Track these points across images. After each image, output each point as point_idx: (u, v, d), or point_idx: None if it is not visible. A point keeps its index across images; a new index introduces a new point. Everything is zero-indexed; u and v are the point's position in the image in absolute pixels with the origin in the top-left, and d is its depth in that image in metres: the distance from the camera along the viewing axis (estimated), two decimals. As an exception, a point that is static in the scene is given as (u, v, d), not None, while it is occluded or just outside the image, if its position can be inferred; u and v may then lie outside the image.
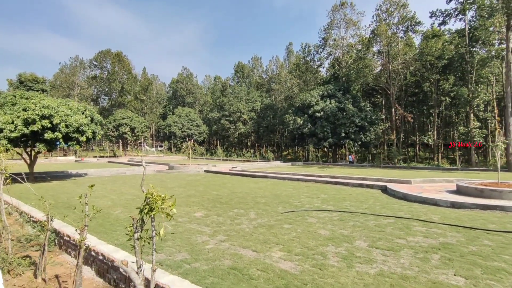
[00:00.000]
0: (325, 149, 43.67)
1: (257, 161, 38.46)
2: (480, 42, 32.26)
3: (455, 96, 38.95)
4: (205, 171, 23.81)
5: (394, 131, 38.06)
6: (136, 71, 73.79)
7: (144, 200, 3.04)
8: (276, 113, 54.82)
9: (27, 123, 13.97)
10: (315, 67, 48.29)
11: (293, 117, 39.48)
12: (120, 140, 56.71)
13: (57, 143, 15.26)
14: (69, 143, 15.55)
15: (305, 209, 9.26)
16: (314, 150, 40.52)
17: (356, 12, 44.27)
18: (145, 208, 3.00)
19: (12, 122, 13.62)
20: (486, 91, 34.02)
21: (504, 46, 32.71)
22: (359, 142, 37.22)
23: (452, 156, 44.88)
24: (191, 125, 65.19)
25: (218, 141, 64.66)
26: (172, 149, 64.38)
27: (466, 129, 31.53)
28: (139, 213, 3.08)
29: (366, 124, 36.48)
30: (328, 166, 32.78)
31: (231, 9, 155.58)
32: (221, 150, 43.79)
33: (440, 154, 42.60)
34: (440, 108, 43.05)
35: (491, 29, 31.61)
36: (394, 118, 37.67)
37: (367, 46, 38.64)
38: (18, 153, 16.64)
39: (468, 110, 32.38)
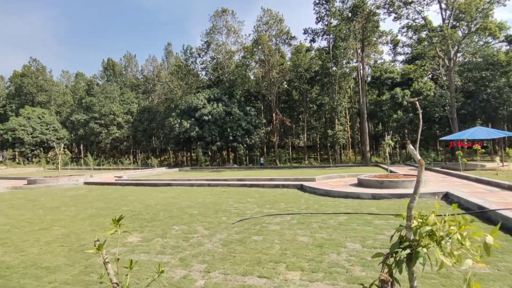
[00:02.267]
0: (210, 153, 43.23)
1: (140, 169, 34.62)
2: (340, 59, 38.40)
3: (320, 104, 45.15)
4: (86, 183, 19.50)
5: (276, 134, 41.06)
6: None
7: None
8: (155, 116, 50.98)
9: None
10: (199, 70, 47.52)
11: (179, 120, 37.50)
12: None
13: None
14: None
15: (251, 216, 8.35)
16: (202, 154, 39.53)
17: (237, 20, 45.96)
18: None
19: None
20: (345, 100, 40.74)
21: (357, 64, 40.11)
22: (245, 145, 38.43)
23: (316, 156, 51.85)
24: (46, 129, 53.65)
25: (85, 148, 55.24)
26: (18, 160, 51.24)
27: (332, 132, 36.85)
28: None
29: (251, 127, 38.02)
30: (219, 169, 32.43)
31: (87, 1, 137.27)
32: (91, 158, 37.35)
33: (308, 155, 48.53)
34: (307, 114, 49.16)
35: (346, 50, 38.11)
36: (275, 122, 40.60)
37: (251, 54, 40.43)
38: None
39: (333, 115, 37.97)
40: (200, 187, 15.75)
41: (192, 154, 48.98)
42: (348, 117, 43.18)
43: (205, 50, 46.28)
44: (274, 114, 41.05)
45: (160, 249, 5.63)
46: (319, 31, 38.02)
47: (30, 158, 52.90)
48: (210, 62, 45.42)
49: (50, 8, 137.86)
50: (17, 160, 52.27)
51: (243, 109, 38.56)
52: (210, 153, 42.70)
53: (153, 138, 52.48)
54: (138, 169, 35.20)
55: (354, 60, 40.96)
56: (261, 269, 4.51)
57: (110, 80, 60.85)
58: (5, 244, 6.31)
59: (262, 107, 47.67)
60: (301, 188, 13.75)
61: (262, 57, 41.31)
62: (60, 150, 22.75)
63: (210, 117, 35.81)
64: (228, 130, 36.30)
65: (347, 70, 40.37)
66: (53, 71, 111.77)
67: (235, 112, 36.62)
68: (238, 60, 45.77)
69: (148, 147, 52.57)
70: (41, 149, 53.29)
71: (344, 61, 39.68)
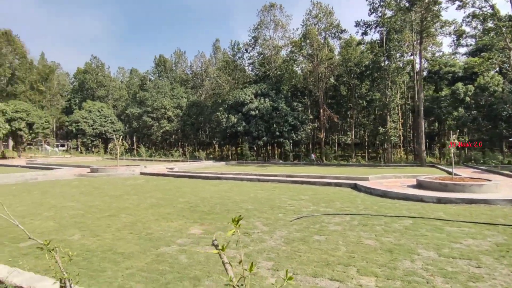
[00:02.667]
0: (256, 148, 43.56)
1: (188, 161, 35.97)
2: (393, 52, 36.26)
3: (370, 100, 43.19)
4: (141, 173, 20.68)
5: (323, 131, 40.15)
6: (32, 56, 61.94)
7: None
8: (203, 111, 52.54)
9: None
10: (246, 65, 47.99)
11: (226, 115, 38.19)
12: (11, 138, 46.64)
13: None
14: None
15: (308, 214, 8.17)
16: (248, 149, 39.93)
17: (285, 14, 45.45)
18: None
19: None
20: (399, 96, 38.49)
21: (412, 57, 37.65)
22: (291, 141, 38.09)
23: (363, 154, 49.80)
24: (105, 121, 57.92)
25: (137, 140, 58.79)
26: (81, 149, 56.00)
27: (384, 129, 35.04)
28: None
29: (298, 123, 37.55)
30: (264, 164, 32.53)
31: (138, 2, 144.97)
32: (144, 149, 39.57)
33: (355, 152, 46.78)
34: (355, 111, 47.31)
35: (401, 42, 35.86)
36: (322, 118, 39.69)
37: (299, 48, 39.83)
38: None
39: (385, 112, 36.09)
40: (249, 182, 15.86)
41: (237, 149, 49.78)
42: (400, 114, 40.80)
43: (253, 45, 46.49)
44: (321, 110, 40.13)
45: (223, 243, 5.69)
46: (372, 23, 36.20)
47: (90, 148, 57.55)
48: (257, 57, 45.54)
49: (108, 10, 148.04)
50: (79, 149, 57.11)
51: (290, 105, 38.20)
52: (255, 148, 43.05)
53: (200, 132, 54.19)
54: (187, 161, 36.56)
55: (409, 53, 38.50)
56: (331, 271, 4.34)
57: (161, 76, 63.83)
58: (81, 228, 6.83)
59: (308, 103, 46.85)
60: (355, 187, 13.22)
61: (310, 51, 40.48)
62: (119, 141, 24.36)
63: (257, 112, 35.98)
64: (275, 125, 36.22)
65: (401, 64, 38.09)
66: (110, 67, 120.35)
67: (282, 107, 36.39)
68: (285, 55, 45.36)
69: (195, 140, 54.44)
70: (100, 140, 57.73)
71: (398, 55, 37.46)
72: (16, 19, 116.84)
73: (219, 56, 59.14)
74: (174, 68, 66.02)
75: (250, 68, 49.10)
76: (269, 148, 45.30)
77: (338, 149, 53.59)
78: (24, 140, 46.50)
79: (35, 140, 52.54)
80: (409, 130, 48.33)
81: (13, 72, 54.15)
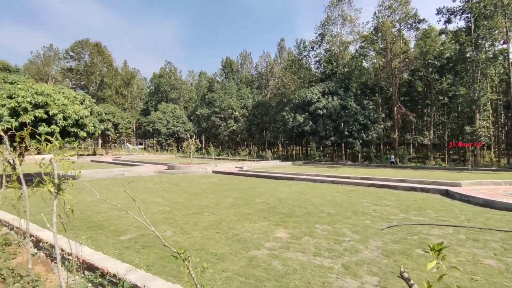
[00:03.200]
0: (322, 148, 42.33)
1: (255, 160, 36.45)
2: (482, 41, 31.92)
3: (453, 96, 38.78)
4: (214, 171, 21.44)
5: (396, 130, 37.30)
6: (117, 64, 69.32)
7: None
8: (268, 111, 52.94)
9: (15, 113, 11.12)
10: (312, 63, 46.99)
11: (292, 115, 37.80)
12: (100, 137, 52.63)
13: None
14: (66, 139, 12.78)
15: (400, 222, 7.37)
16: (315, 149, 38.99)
17: (353, 8, 43.30)
18: None
19: (-4, 112, 10.75)
20: (489, 91, 33.78)
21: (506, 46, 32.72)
22: (361, 141, 36.11)
23: (443, 156, 44.92)
24: (177, 122, 62.02)
25: (207, 139, 61.75)
26: (156, 147, 60.81)
27: (471, 128, 31.07)
28: None
29: (369, 122, 35.42)
30: (333, 165, 31.31)
31: (205, 8, 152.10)
32: (213, 149, 41.24)
33: (433, 154, 42.43)
34: (433, 108, 42.92)
35: (492, 30, 31.37)
36: (396, 117, 36.86)
37: (371, 42, 37.57)
38: (-1, 150, 13.59)
39: (473, 109, 31.99)
40: (323, 183, 15.25)
41: (303, 149, 49.04)
42: (490, 111, 35.82)
43: (319, 43, 45.27)
44: (395, 108, 37.29)
45: (314, 250, 5.34)
46: (457, 9, 32.41)
47: (164, 146, 62.17)
48: (324, 54, 44.18)
49: (178, 19, 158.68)
50: (155, 147, 62.03)
51: (360, 103, 36.27)
52: (322, 148, 41.88)
53: (265, 132, 54.69)
54: (253, 160, 37.11)
55: (501, 42, 33.59)
56: (455, 296, 3.68)
57: (228, 77, 66.10)
58: (172, 224, 7.11)
59: (379, 101, 43.99)
60: (446, 194, 11.75)
61: (382, 45, 37.86)
62: (192, 140, 25.64)
63: (324, 111, 34.89)
64: (343, 124, 34.73)
65: (492, 55, 33.37)
66: (182, 71, 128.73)
67: (352, 106, 34.69)
68: (354, 51, 43.24)
69: (260, 139, 55.12)
70: (173, 139, 62.01)
71: (488, 44, 32.85)
72: (103, 32, 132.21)
73: (284, 56, 59.00)
74: (240, 69, 67.85)
75: (316, 66, 47.93)
76: (336, 148, 43.66)
77: (412, 150, 49.31)
78: (110, 139, 52.13)
79: (119, 139, 58.60)
80: (500, 129, 42.23)
81: (102, 79, 61.19)
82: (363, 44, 39.77)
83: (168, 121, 61.40)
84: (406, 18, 37.26)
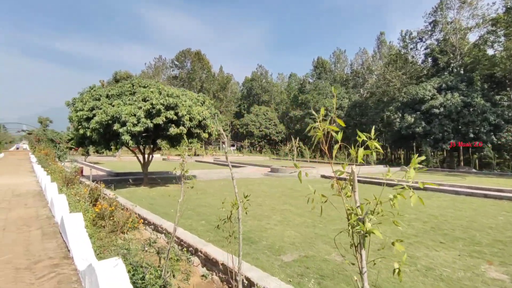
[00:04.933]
0: (437, 152, 36.83)
1: (354, 165, 33.63)
2: None
3: None
4: (322, 176, 19.98)
5: (542, 132, 29.89)
6: (214, 70, 73.76)
7: None
8: (365, 111, 48.98)
9: (150, 115, 11.57)
10: (420, 56, 41.62)
11: (399, 114, 33.74)
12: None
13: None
14: (190, 140, 12.95)
15: None
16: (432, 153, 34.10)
17: (476, -12, 36.63)
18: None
19: (134, 115, 11.31)
20: None
21: None
22: (490, 145, 30.03)
23: None
24: (269, 124, 62.53)
25: (299, 141, 60.76)
26: (250, 149, 62.34)
27: None
28: None
29: (503, 122, 29.21)
30: (454, 173, 26.54)
31: (289, 11, 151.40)
32: (308, 151, 39.76)
33: None
34: None
35: None
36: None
37: (505, 25, 31.07)
38: (132, 151, 14.67)
39: None
40: (472, 197, 12.32)
41: (409, 152, 43.81)
42: None
43: (430, 32, 39.73)
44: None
45: None
46: None
47: (256, 148, 63.33)
48: (438, 44, 38.48)
49: (265, 25, 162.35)
50: (249, 149, 63.66)
51: (489, 99, 30.25)
52: (433, 153, 36.49)
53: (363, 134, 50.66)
54: (352, 165, 34.33)
55: None
56: None
57: (320, 78, 63.88)
58: (330, 243, 5.89)
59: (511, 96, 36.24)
60: None
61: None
62: (295, 142, 24.58)
63: (441, 109, 30.08)
64: (466, 125, 29.38)
65: None
66: (272, 74, 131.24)
67: (478, 102, 29.08)
68: (476, 38, 36.59)
69: (357, 142, 51.31)
70: (265, 141, 62.70)
71: None
72: (201, 42, 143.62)
73: (384, 51, 53.95)
74: (333, 68, 64.89)
75: (425, 59, 42.25)
76: (450, 153, 37.56)
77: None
78: (210, 140, 55.34)
79: (217, 140, 61.95)
80: None
81: (202, 84, 65.75)
82: (492, 28, 33.21)
83: (261, 123, 62.33)
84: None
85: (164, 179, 16.48)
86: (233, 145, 78.33)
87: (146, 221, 6.34)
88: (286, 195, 12.10)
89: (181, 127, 11.69)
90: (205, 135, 13.12)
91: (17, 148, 56.99)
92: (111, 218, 5.69)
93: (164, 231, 5.80)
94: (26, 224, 5.56)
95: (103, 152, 30.45)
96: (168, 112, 11.41)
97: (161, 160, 39.46)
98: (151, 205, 9.32)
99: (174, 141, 12.55)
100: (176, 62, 67.44)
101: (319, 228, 7.12)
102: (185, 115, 11.64)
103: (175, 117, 11.47)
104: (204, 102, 13.96)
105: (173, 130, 11.50)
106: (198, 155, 50.30)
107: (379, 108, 44.84)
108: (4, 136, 79.45)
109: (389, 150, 50.52)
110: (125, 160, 35.38)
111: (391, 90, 43.90)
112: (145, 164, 14.29)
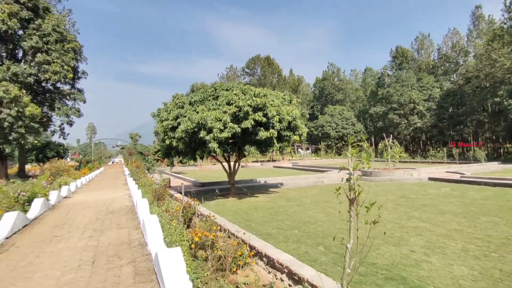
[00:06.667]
0: None
1: (457, 163, 28.65)
2: None
3: None
4: (430, 178, 16.69)
5: None
6: (284, 73, 72.72)
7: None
8: (461, 100, 42.03)
9: (236, 119, 10.42)
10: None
11: (516, 100, 27.64)
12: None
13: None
14: (279, 144, 11.47)
15: None
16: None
17: None
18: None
19: (220, 120, 10.26)
20: None
21: None
22: None
23: None
24: (346, 123, 58.61)
25: (382, 140, 55.54)
26: (327, 151, 59.19)
27: None
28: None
29: None
30: None
31: (356, 5, 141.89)
32: (398, 150, 35.30)
33: None
34: None
35: None
36: None
37: None
38: (216, 159, 13.84)
39: None
40: None
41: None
42: None
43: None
44: None
45: None
46: None
47: (333, 150, 59.80)
48: None
49: (333, 21, 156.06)
50: (324, 151, 60.53)
51: None
52: None
53: (461, 126, 43.53)
54: (455, 163, 29.27)
55: None
56: None
57: (401, 68, 57.64)
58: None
59: None
60: None
61: None
62: (389, 141, 21.60)
63: None
64: None
65: None
66: (345, 71, 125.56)
67: None
68: None
69: (455, 137, 44.32)
70: (343, 142, 58.87)
71: None
72: (269, 48, 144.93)
73: (482, 27, 45.85)
74: (416, 56, 57.95)
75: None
76: None
77: None
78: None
79: (292, 144, 60.35)
80: None
81: (273, 88, 65.18)
82: None
83: (337, 123, 58.81)
84: None
85: (251, 188, 15.35)
86: (307, 148, 75.89)
87: (254, 249, 4.91)
88: (402, 205, 9.72)
89: (271, 130, 10.28)
90: (296, 138, 11.51)
91: (112, 162, 63.65)
92: (214, 249, 4.36)
93: (284, 270, 4.22)
94: (118, 254, 4.59)
95: (186, 162, 31.19)
96: (256, 114, 10.11)
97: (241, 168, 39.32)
98: (247, 223, 8.00)
99: (263, 146, 11.24)
100: (247, 70, 68.21)
101: (499, 260, 4.80)
102: (275, 116, 10.19)
103: (264, 119, 10.10)
104: (291, 101, 12.40)
105: (262, 133, 10.15)
106: (274, 160, 49.29)
107: (482, 95, 37.90)
108: (104, 152, 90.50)
109: (501, 144, 42.38)
110: (206, 169, 36.03)
111: (497, 71, 36.69)
112: (231, 173, 13.27)
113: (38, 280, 3.74)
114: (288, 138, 11.45)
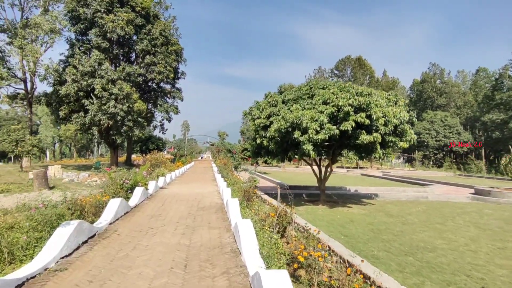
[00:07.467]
0: None
1: None
2: None
3: None
4: None
5: None
6: (377, 75, 67.66)
7: None
8: None
9: (334, 119, 9.41)
10: None
11: None
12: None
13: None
14: (382, 151, 10.02)
15: None
16: None
17: None
18: None
19: (316, 120, 9.37)
20: None
21: None
22: None
23: None
24: (449, 132, 51.25)
25: (495, 153, 46.99)
26: (420, 162, 52.76)
27: None
28: None
29: None
30: None
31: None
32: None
33: None
34: None
35: None
36: None
37: None
38: (306, 162, 12.98)
39: None
40: None
41: None
42: None
43: None
44: None
45: None
46: None
47: (431, 161, 52.94)
48: None
49: (432, 16, 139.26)
50: (422, 162, 54.07)
51: None
52: None
53: None
54: None
55: None
56: None
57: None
58: None
59: None
60: None
61: None
62: (517, 155, 17.63)
63: None
64: None
65: None
66: (450, 72, 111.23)
67: None
68: None
69: None
70: (444, 152, 51.72)
71: None
72: (361, 49, 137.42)
73: None
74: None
75: None
76: None
77: None
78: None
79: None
80: None
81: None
82: None
83: (438, 131, 51.88)
84: None
85: (341, 196, 14.05)
86: (398, 157, 69.21)
87: (368, 280, 3.93)
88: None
89: (374, 134, 8.97)
90: (403, 145, 9.90)
91: (202, 158, 68.39)
92: (323, 275, 3.54)
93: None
94: (210, 260, 4.16)
95: (270, 163, 30.96)
96: (358, 115, 8.93)
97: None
98: (346, 238, 6.96)
99: (363, 151, 9.96)
100: (336, 71, 65.51)
101: None
102: (380, 117, 8.85)
103: (367, 121, 8.85)
104: (396, 102, 10.79)
105: (364, 137, 8.92)
106: (362, 167, 45.94)
107: None
108: (195, 148, 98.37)
109: None
110: (289, 171, 35.44)
111: None
112: (322, 179, 12.23)
113: (132, 279, 3.50)
114: (392, 144, 9.91)
